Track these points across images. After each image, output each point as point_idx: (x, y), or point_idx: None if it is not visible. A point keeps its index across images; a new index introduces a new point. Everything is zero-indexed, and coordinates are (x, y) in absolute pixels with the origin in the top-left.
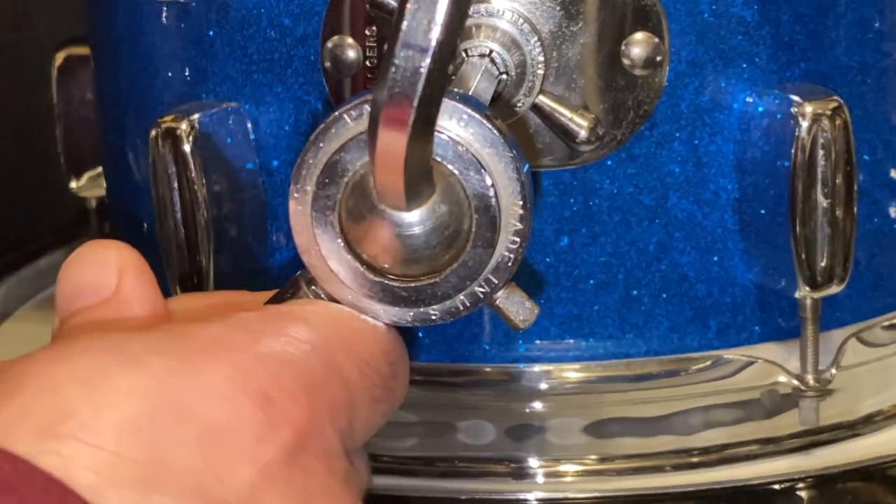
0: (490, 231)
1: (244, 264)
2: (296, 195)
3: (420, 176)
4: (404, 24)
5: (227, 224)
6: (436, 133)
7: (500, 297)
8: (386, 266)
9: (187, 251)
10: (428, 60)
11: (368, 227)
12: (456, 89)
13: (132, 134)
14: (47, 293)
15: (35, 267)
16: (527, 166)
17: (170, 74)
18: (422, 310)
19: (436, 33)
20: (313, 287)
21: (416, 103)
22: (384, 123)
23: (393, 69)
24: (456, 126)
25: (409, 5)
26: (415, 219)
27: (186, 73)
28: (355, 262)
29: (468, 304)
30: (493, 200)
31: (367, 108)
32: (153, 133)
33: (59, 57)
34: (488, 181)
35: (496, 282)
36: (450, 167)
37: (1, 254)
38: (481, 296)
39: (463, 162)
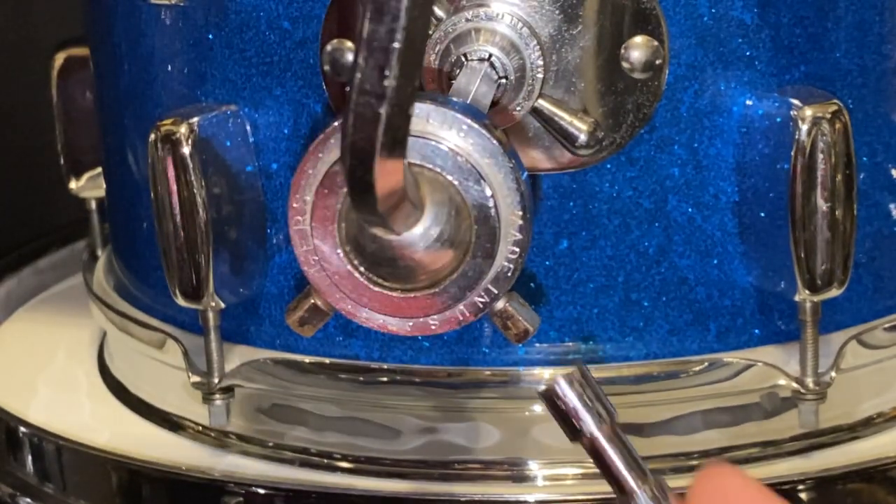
0: (490, 241)
1: (244, 266)
2: (295, 205)
3: (398, 206)
4: (357, 73)
5: (226, 226)
6: (435, 143)
7: (500, 307)
8: (385, 278)
9: (187, 253)
10: (385, 106)
11: (368, 240)
12: (455, 98)
13: (132, 135)
14: (47, 293)
15: (35, 267)
16: (526, 175)
17: (169, 77)
18: (421, 319)
19: (390, 80)
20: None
21: (378, 147)
22: (350, 171)
23: (352, 117)
24: (455, 136)
25: (360, 53)
26: (414, 235)
27: (186, 76)
28: (355, 273)
29: (468, 314)
30: (493, 211)
31: None
32: (152, 136)
33: (59, 57)
34: (488, 192)
35: (496, 292)
36: (449, 177)
37: (1, 254)
38: (481, 306)
39: (462, 172)
